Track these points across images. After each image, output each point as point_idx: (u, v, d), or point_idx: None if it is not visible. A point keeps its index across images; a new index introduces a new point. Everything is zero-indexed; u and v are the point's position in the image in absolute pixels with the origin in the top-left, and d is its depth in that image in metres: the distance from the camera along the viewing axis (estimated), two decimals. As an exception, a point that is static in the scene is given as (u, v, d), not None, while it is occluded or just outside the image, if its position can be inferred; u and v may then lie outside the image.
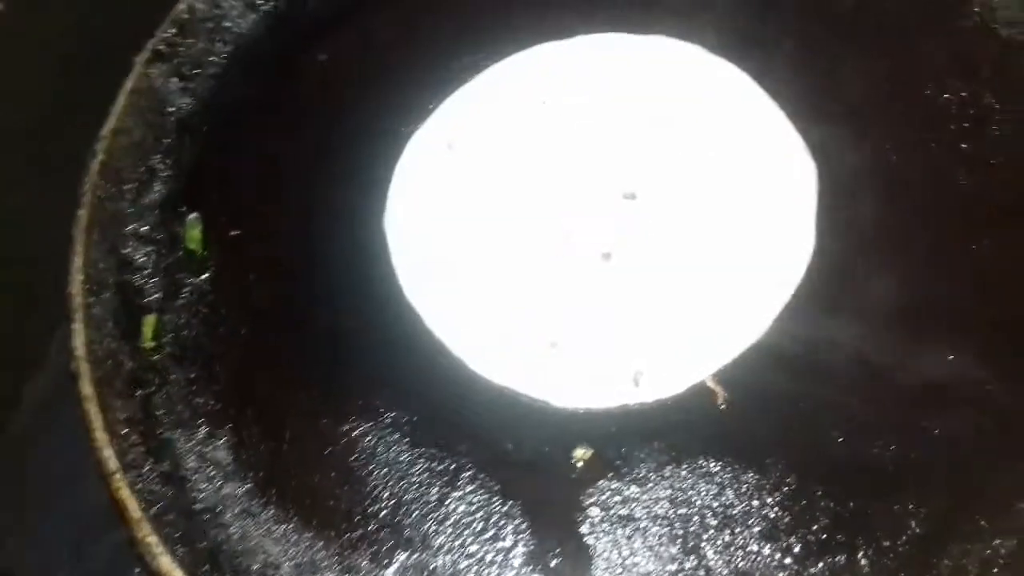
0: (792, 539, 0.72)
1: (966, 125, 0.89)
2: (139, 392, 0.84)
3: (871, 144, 0.89)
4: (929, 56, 0.93)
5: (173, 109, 0.96)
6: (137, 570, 0.76)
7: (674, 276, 0.83)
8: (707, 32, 0.95)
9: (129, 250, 0.90)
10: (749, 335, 0.81)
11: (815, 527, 0.73)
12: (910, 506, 0.72)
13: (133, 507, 0.75)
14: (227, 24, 1.00)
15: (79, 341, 0.82)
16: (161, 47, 0.95)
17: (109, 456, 0.78)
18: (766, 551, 0.72)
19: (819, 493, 0.74)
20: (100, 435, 0.79)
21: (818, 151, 0.89)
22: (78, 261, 0.85)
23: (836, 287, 0.83)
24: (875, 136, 0.90)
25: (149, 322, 0.87)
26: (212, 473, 0.80)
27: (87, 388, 0.81)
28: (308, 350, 0.85)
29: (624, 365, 0.81)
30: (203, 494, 0.79)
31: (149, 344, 0.86)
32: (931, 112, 0.91)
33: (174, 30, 0.96)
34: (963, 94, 0.91)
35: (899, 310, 0.82)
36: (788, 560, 0.72)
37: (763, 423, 0.78)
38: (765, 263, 0.83)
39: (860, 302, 0.82)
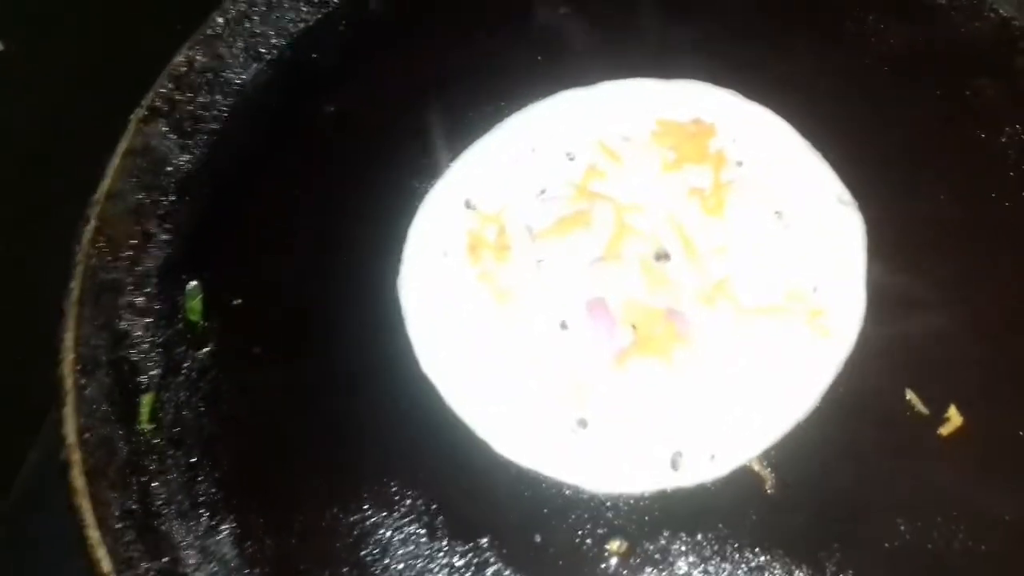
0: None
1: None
2: (135, 480, 0.78)
3: (923, 195, 0.82)
4: (984, 98, 0.86)
5: (171, 169, 0.90)
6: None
7: (714, 347, 0.76)
8: (741, 76, 0.88)
9: (124, 323, 0.84)
10: (798, 411, 0.74)
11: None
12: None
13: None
14: (228, 75, 0.94)
15: (70, 427, 0.76)
16: (158, 103, 0.89)
17: (102, 557, 0.72)
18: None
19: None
20: (93, 533, 0.73)
21: (865, 204, 0.82)
22: (69, 338, 0.79)
23: (891, 354, 0.76)
24: (927, 186, 0.83)
25: (146, 401, 0.81)
26: (215, 569, 0.74)
27: (78, 480, 0.75)
28: (316, 431, 0.79)
29: (661, 446, 0.74)
30: (205, 594, 0.73)
31: (146, 426, 0.80)
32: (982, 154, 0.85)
33: (172, 84, 0.90)
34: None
35: (957, 374, 0.75)
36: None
37: (816, 510, 0.71)
38: (812, 330, 0.76)
39: (918, 371, 0.75)
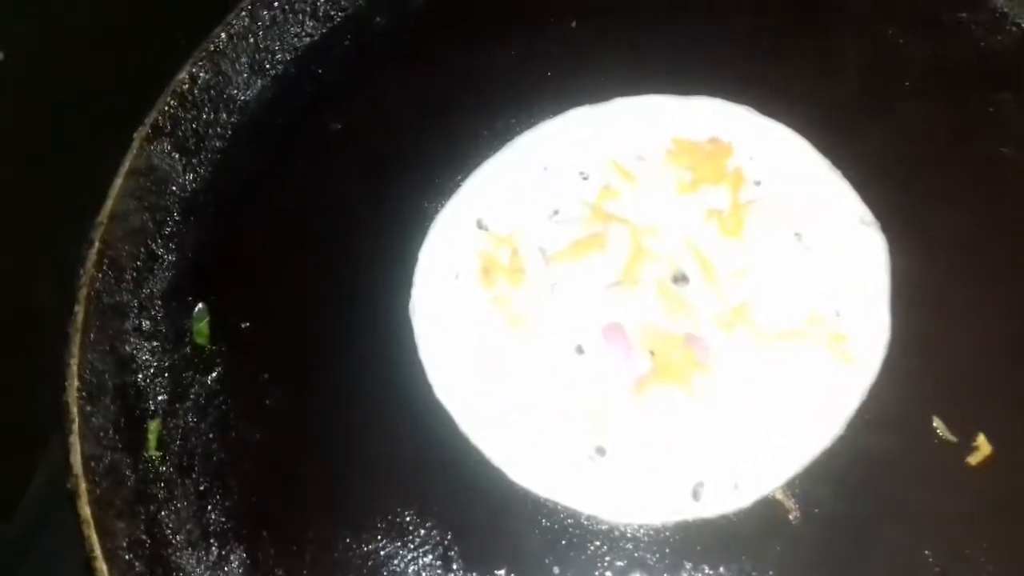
0: None
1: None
2: (143, 510, 0.76)
3: (946, 215, 0.80)
4: (1007, 113, 0.84)
5: (175, 189, 0.88)
6: None
7: (735, 373, 0.74)
8: (758, 91, 0.86)
9: (130, 348, 0.82)
10: (822, 439, 0.72)
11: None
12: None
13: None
14: (232, 92, 0.92)
15: (76, 456, 0.74)
16: (161, 121, 0.87)
17: (110, 590, 0.70)
18: None
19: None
20: (101, 565, 0.71)
21: (887, 224, 0.80)
22: (73, 364, 0.77)
23: (917, 381, 0.74)
24: (950, 205, 0.81)
25: (153, 428, 0.80)
26: (225, 602, 0.72)
27: (85, 510, 0.73)
28: (327, 458, 0.77)
29: (681, 476, 0.72)
30: (216, 628, 0.71)
31: (154, 453, 0.79)
32: (1006, 171, 0.83)
33: (174, 102, 0.88)
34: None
35: (985, 401, 0.73)
36: None
37: (841, 540, 0.70)
38: (835, 356, 0.74)
39: (945, 397, 0.73)
